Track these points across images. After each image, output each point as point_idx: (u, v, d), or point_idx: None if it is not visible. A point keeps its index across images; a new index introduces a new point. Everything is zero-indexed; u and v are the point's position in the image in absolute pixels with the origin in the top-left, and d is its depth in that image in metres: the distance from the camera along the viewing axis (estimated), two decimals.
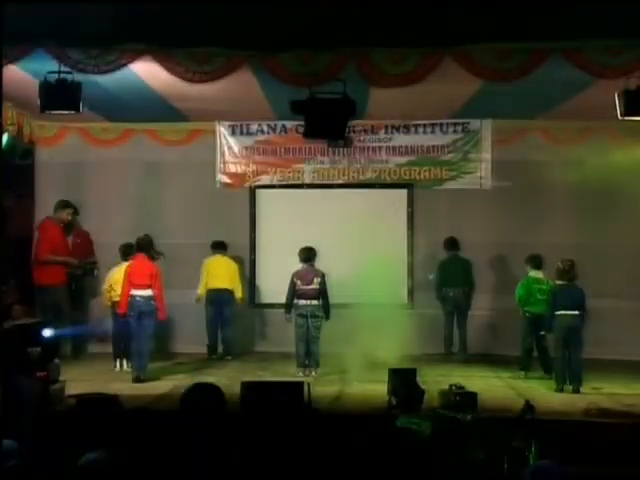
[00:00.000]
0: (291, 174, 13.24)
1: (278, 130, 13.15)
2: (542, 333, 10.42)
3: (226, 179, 13.28)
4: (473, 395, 8.32)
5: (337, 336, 10.63)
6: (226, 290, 12.36)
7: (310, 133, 10.17)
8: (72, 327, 11.33)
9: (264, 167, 13.23)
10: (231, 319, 12.45)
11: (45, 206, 12.66)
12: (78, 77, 8.98)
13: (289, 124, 12.83)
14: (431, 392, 8.70)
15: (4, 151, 10.68)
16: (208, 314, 12.46)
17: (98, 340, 12.17)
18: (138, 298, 10.41)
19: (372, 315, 10.41)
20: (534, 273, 11.06)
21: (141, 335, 10.41)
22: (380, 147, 13.18)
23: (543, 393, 9.78)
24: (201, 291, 12.33)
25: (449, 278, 12.30)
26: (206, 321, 12.48)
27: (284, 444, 6.62)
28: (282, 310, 11.25)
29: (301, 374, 10.70)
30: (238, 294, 12.40)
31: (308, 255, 11.13)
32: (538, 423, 7.10)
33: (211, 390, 5.06)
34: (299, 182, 13.21)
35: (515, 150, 12.57)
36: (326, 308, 10.98)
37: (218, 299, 12.36)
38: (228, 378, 10.04)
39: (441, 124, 13.06)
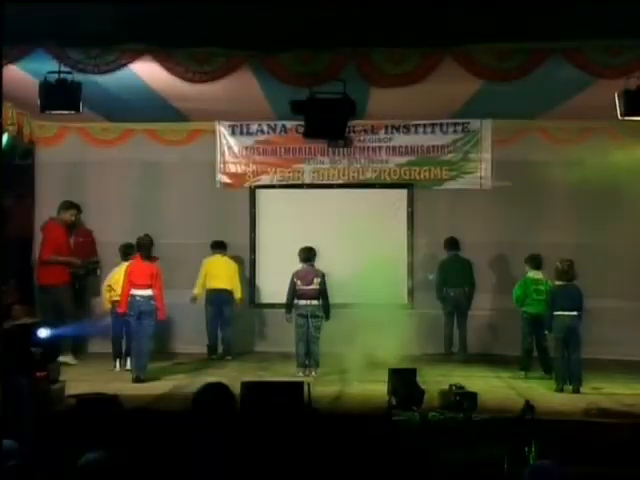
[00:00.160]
0: (291, 174, 13.24)
1: (278, 130, 13.15)
2: (545, 333, 10.40)
3: (226, 179, 13.28)
4: (473, 395, 8.33)
5: (337, 336, 10.63)
6: (226, 290, 12.36)
7: (310, 133, 10.17)
8: (73, 327, 11.32)
9: (264, 167, 13.23)
10: (231, 319, 12.44)
11: (45, 206, 12.67)
12: (78, 77, 8.98)
13: (289, 124, 12.83)
14: (431, 392, 8.70)
15: (4, 151, 10.68)
16: (208, 314, 12.46)
17: (99, 334, 12.14)
18: (138, 298, 10.41)
19: (372, 315, 10.41)
20: (533, 273, 11.06)
21: (141, 335, 10.40)
22: (380, 147, 13.18)
23: (543, 393, 9.77)
24: (197, 291, 12.31)
25: (449, 278, 12.29)
26: (206, 321, 12.47)
27: (284, 444, 6.63)
28: (282, 310, 11.25)
29: (301, 374, 10.69)
30: (237, 294, 12.40)
31: (308, 255, 11.13)
32: (538, 423, 7.10)
33: (222, 390, 5.07)
34: (299, 182, 13.22)
35: (515, 150, 12.57)
36: (326, 308, 10.98)
37: (218, 299, 12.36)
38: (228, 378, 9.99)
39: (441, 124, 13.07)
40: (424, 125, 13.06)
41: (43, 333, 8.78)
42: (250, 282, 13.20)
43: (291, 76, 9.01)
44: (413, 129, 13.10)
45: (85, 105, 9.46)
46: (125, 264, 11.03)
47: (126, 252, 11.37)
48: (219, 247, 12.53)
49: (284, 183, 13.24)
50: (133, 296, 10.44)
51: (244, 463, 6.03)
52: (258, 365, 11.55)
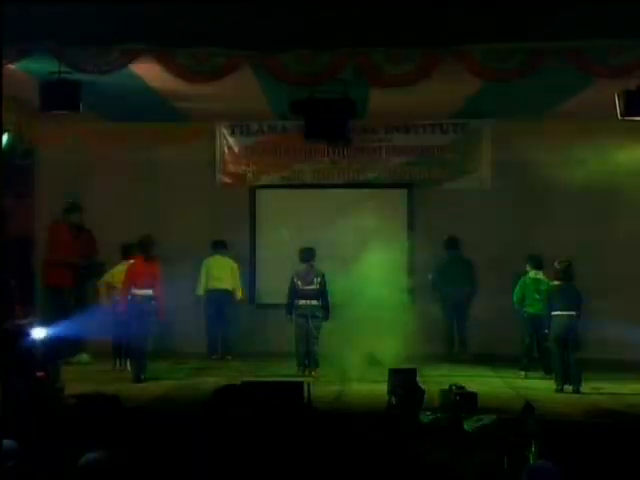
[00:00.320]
0: (291, 174, 13.25)
1: (278, 130, 13.16)
2: (546, 331, 10.40)
3: (226, 179, 13.29)
4: (473, 395, 8.33)
5: (337, 336, 10.63)
6: (226, 290, 12.37)
7: (310, 133, 10.18)
8: (74, 326, 11.33)
9: (264, 167, 13.24)
10: (231, 319, 12.44)
11: (45, 206, 12.66)
12: (78, 77, 8.98)
13: (289, 124, 12.82)
14: (431, 392, 8.69)
15: (4, 151, 10.68)
16: (208, 314, 12.47)
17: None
18: (139, 298, 10.41)
19: (372, 315, 10.41)
20: (534, 273, 11.07)
21: (141, 335, 10.41)
22: (380, 147, 13.19)
23: (543, 393, 9.77)
24: (202, 291, 12.34)
25: (449, 278, 12.29)
26: (206, 321, 12.48)
27: (284, 444, 6.63)
28: (282, 310, 11.25)
29: (301, 374, 10.69)
30: (238, 294, 12.41)
31: (308, 255, 11.14)
32: (538, 423, 7.10)
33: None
34: (299, 182, 13.22)
35: (515, 150, 12.56)
36: (326, 308, 10.99)
37: (218, 299, 12.36)
38: (228, 378, 10.04)
39: (441, 124, 13.08)
40: (424, 125, 13.07)
41: (40, 333, 8.77)
42: (250, 282, 13.20)
43: (291, 76, 9.01)
44: (413, 129, 13.11)
45: (85, 105, 9.46)
46: (125, 263, 11.04)
47: (126, 251, 11.37)
48: (219, 247, 12.53)
49: (284, 183, 13.24)
50: (134, 296, 10.45)
51: (244, 463, 6.03)
52: (258, 365, 11.55)
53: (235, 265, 12.53)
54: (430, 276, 12.56)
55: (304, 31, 8.24)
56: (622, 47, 8.55)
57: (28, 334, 8.55)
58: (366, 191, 13.02)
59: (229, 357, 12.28)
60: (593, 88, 9.82)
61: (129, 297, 10.50)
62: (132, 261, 10.85)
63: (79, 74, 8.92)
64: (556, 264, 10.29)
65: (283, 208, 13.24)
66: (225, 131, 13.20)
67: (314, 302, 10.99)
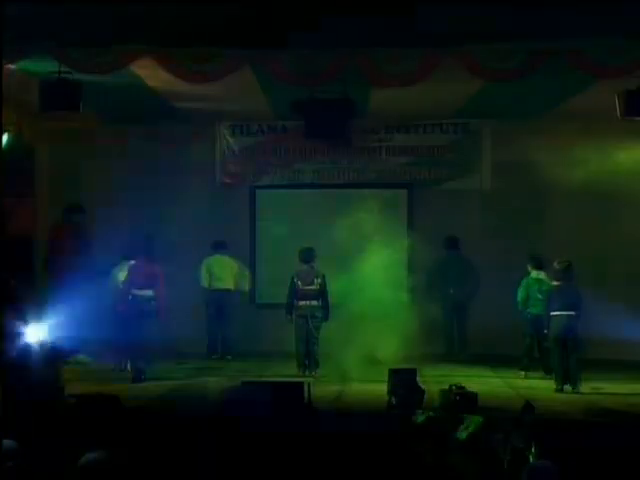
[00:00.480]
0: (291, 174, 13.25)
1: (278, 130, 13.16)
2: (545, 331, 10.41)
3: (226, 179, 13.29)
4: (473, 395, 8.33)
5: (337, 336, 10.63)
6: (226, 290, 12.37)
7: (310, 133, 10.20)
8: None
9: (264, 167, 13.24)
10: (231, 319, 12.45)
11: (45, 206, 12.66)
12: (78, 77, 8.98)
13: (289, 124, 12.82)
14: (431, 392, 8.70)
15: (4, 151, 10.67)
16: (208, 314, 12.47)
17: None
18: (139, 298, 10.42)
19: (372, 315, 10.41)
20: (535, 274, 11.08)
21: (141, 335, 10.41)
22: (380, 147, 13.19)
23: (543, 393, 9.77)
24: (206, 285, 12.34)
25: (449, 277, 12.30)
26: (206, 321, 12.48)
27: (284, 444, 6.63)
28: (282, 310, 11.25)
29: (301, 374, 10.69)
30: (245, 288, 12.43)
31: (308, 255, 11.14)
32: (538, 423, 7.10)
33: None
34: (299, 182, 13.22)
35: (515, 150, 12.56)
36: (326, 308, 10.99)
37: (219, 299, 12.37)
38: (228, 378, 10.04)
39: (441, 124, 13.08)
40: (424, 125, 13.08)
41: (37, 333, 8.77)
42: (250, 282, 13.19)
43: (291, 76, 9.01)
44: (413, 129, 13.11)
45: (85, 105, 9.46)
46: (126, 263, 11.04)
47: (126, 252, 11.36)
48: (220, 247, 12.53)
49: (284, 183, 13.24)
50: (134, 296, 10.46)
51: (244, 463, 6.03)
52: (258, 365, 11.55)
53: (235, 264, 12.53)
54: (431, 276, 12.54)
55: (304, 31, 8.23)
56: (622, 47, 8.54)
57: (23, 334, 8.54)
58: (366, 191, 13.00)
59: (229, 357, 12.28)
60: (593, 88, 9.81)
61: (130, 297, 10.49)
62: (133, 262, 10.85)
63: (79, 74, 8.92)
64: (556, 264, 10.29)
65: (283, 208, 13.24)
66: (225, 131, 13.20)
67: (314, 303, 10.99)
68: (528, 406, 7.48)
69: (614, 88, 9.16)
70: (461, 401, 8.16)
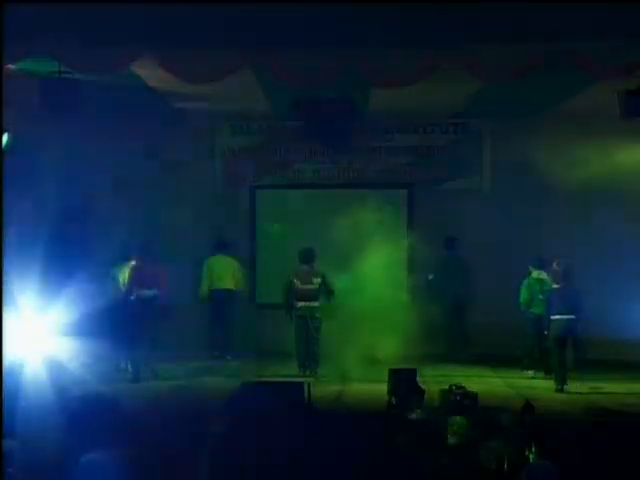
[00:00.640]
0: (291, 174, 13.25)
1: (278, 130, 13.15)
2: (546, 332, 10.41)
3: (226, 179, 13.28)
4: (473, 395, 8.33)
5: (337, 336, 10.63)
6: (227, 290, 12.38)
7: (310, 133, 10.19)
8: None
9: (264, 167, 13.23)
10: (232, 319, 12.45)
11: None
12: (78, 77, 8.98)
13: (289, 124, 12.82)
14: (431, 392, 8.70)
15: (4, 151, 10.67)
16: (209, 314, 12.47)
17: None
18: (144, 298, 10.45)
19: (372, 315, 10.41)
20: (537, 274, 11.09)
21: (143, 335, 10.44)
22: (380, 147, 13.19)
23: (543, 393, 9.78)
24: (204, 290, 12.35)
25: (449, 277, 12.29)
26: (207, 321, 12.48)
27: (284, 444, 6.63)
28: (282, 310, 11.26)
29: (301, 374, 10.69)
30: (244, 288, 12.43)
31: (308, 256, 11.14)
32: (538, 423, 7.10)
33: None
34: (299, 182, 13.22)
35: (515, 150, 12.55)
36: (331, 293, 10.95)
37: (219, 299, 12.38)
38: (228, 378, 10.04)
39: (441, 124, 13.07)
40: (424, 125, 13.07)
41: None
42: (250, 282, 13.20)
43: (291, 76, 9.01)
44: (413, 129, 13.10)
45: (85, 105, 9.46)
46: (125, 264, 11.06)
47: (127, 252, 11.37)
48: (221, 247, 12.53)
49: (284, 183, 13.24)
50: (139, 296, 10.47)
51: (244, 463, 6.03)
52: (258, 365, 11.56)
53: (236, 264, 12.54)
54: (431, 276, 12.55)
55: (304, 31, 8.24)
56: (622, 47, 8.54)
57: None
58: (366, 191, 13.01)
59: (229, 357, 12.28)
60: (593, 88, 9.81)
61: (134, 297, 10.52)
62: (133, 262, 10.87)
63: (79, 74, 8.92)
64: (555, 266, 10.31)
65: (283, 208, 13.24)
66: (225, 131, 13.19)
67: (313, 304, 11.00)
68: (528, 406, 7.49)
69: (614, 88, 9.15)
70: (461, 401, 8.15)
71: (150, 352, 10.62)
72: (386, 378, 8.87)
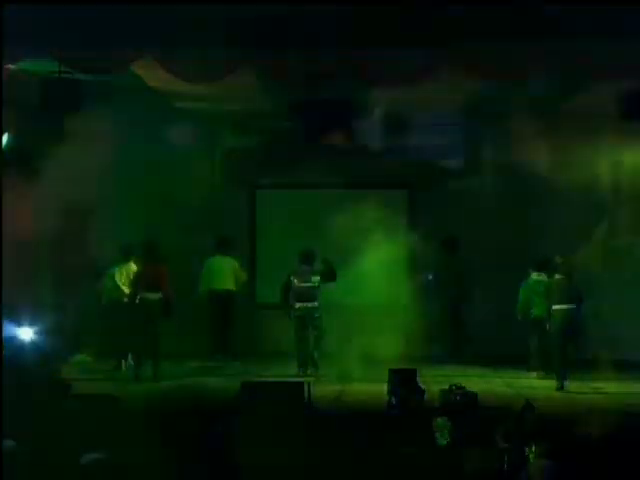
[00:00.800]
0: (291, 174, 13.23)
1: (278, 130, 13.13)
2: (547, 327, 10.42)
3: (226, 179, 13.27)
4: (473, 395, 8.33)
5: (337, 336, 10.63)
6: (227, 290, 12.37)
7: (310, 134, 10.18)
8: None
9: (264, 167, 13.22)
10: (232, 319, 12.45)
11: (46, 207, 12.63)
12: (78, 77, 8.98)
13: (289, 124, 12.80)
14: (431, 392, 8.70)
15: (4, 151, 10.68)
16: (209, 314, 12.47)
17: None
18: (147, 300, 10.47)
19: (372, 315, 10.41)
20: (536, 275, 11.09)
21: (145, 336, 10.46)
22: (380, 147, 13.17)
23: (543, 393, 9.77)
24: (204, 289, 12.34)
25: (449, 278, 12.29)
26: (207, 321, 12.48)
27: (284, 444, 6.63)
28: (282, 310, 11.27)
29: (301, 374, 10.70)
30: (243, 287, 12.43)
31: (307, 256, 11.14)
32: (538, 422, 7.10)
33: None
34: (299, 182, 13.21)
35: (515, 150, 12.54)
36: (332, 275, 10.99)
37: (219, 299, 12.37)
38: (228, 378, 10.04)
39: (441, 124, 13.06)
40: (424, 125, 13.06)
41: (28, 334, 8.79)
42: (250, 282, 13.19)
43: (291, 76, 9.01)
44: (413, 129, 13.09)
45: (85, 105, 9.46)
46: (127, 264, 11.08)
47: (127, 251, 11.38)
48: (222, 247, 12.52)
49: (284, 183, 13.23)
50: (142, 298, 10.50)
51: (245, 463, 6.03)
52: (258, 365, 11.55)
53: (237, 264, 12.53)
54: (431, 277, 12.55)
55: (304, 31, 8.24)
56: (622, 47, 8.54)
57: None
58: (366, 191, 13.00)
59: (229, 357, 12.27)
60: (593, 88, 9.81)
61: (137, 299, 10.54)
62: (132, 263, 10.88)
63: (79, 74, 8.92)
64: (557, 258, 10.34)
65: (283, 208, 13.23)
66: (225, 131, 13.18)
67: (313, 304, 11.00)
68: (528, 405, 7.48)
69: (614, 88, 9.15)
70: (461, 401, 8.16)
71: (151, 352, 10.60)
72: (386, 378, 8.87)
